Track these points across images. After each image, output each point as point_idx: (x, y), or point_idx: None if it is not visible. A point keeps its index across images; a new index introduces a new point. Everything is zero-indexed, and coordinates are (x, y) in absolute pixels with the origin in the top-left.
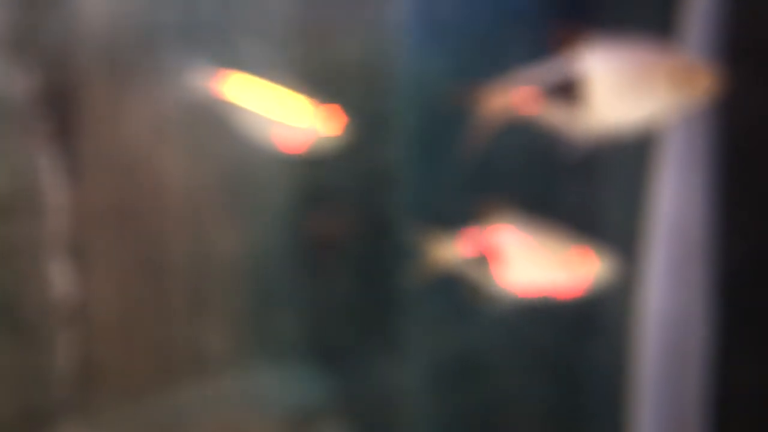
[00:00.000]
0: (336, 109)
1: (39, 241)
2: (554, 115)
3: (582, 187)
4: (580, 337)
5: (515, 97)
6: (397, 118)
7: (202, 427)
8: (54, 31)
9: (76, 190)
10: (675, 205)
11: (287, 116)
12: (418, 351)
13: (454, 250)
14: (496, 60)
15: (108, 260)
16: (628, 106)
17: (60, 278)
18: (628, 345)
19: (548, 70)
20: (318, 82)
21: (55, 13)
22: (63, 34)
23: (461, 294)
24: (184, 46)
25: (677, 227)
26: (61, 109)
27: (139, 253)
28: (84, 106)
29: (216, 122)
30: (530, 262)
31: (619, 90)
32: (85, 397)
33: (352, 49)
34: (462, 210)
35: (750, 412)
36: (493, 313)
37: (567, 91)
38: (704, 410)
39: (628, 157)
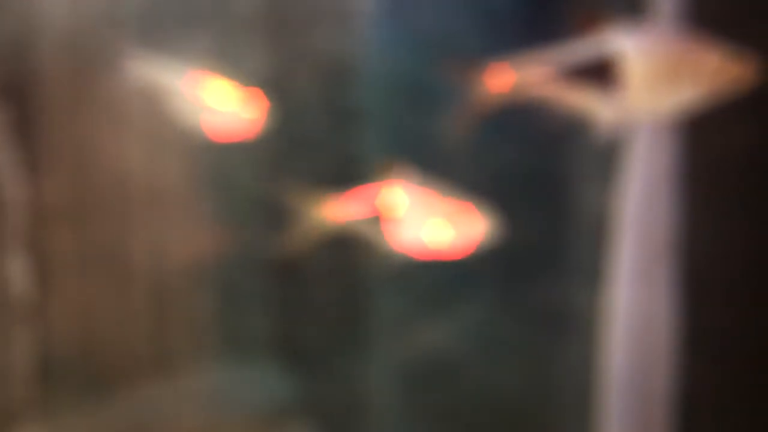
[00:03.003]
0: (258, 92)
1: None
2: (580, 98)
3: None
4: (549, 336)
5: (528, 76)
6: (364, 109)
7: (165, 426)
8: (14, 22)
9: (35, 184)
10: (641, 206)
11: (212, 101)
12: (386, 350)
13: (342, 208)
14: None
15: (67, 256)
16: (662, 92)
17: (18, 275)
18: (596, 342)
19: (574, 51)
20: (284, 74)
21: (12, 4)
22: (21, 25)
23: (430, 293)
24: (144, 37)
25: (643, 227)
26: (19, 102)
27: (100, 248)
28: (43, 99)
29: (172, 114)
30: (419, 220)
31: (656, 75)
32: (45, 396)
33: (320, 40)
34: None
35: (714, 409)
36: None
37: (596, 73)
38: (670, 407)
39: (597, 156)
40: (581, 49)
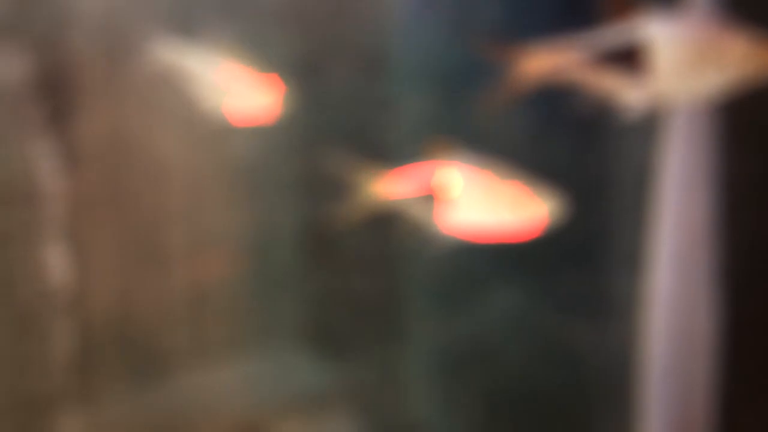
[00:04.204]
0: (277, 78)
1: (35, 228)
2: (610, 83)
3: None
4: (587, 323)
5: (562, 61)
6: (397, 99)
7: (202, 414)
8: (48, 15)
9: (72, 176)
10: (680, 191)
11: (233, 87)
12: (423, 337)
13: (392, 186)
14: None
15: (105, 246)
16: (692, 78)
17: (56, 265)
18: (635, 331)
19: (605, 37)
20: (314, 64)
21: None
22: (57, 17)
23: (467, 279)
24: (173, 24)
25: (682, 213)
26: (55, 94)
27: (137, 238)
28: (79, 91)
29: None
30: (478, 202)
31: (684, 61)
32: (83, 385)
33: (352, 25)
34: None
35: (757, 399)
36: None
37: (627, 59)
38: (710, 395)
39: (635, 142)
40: (612, 34)
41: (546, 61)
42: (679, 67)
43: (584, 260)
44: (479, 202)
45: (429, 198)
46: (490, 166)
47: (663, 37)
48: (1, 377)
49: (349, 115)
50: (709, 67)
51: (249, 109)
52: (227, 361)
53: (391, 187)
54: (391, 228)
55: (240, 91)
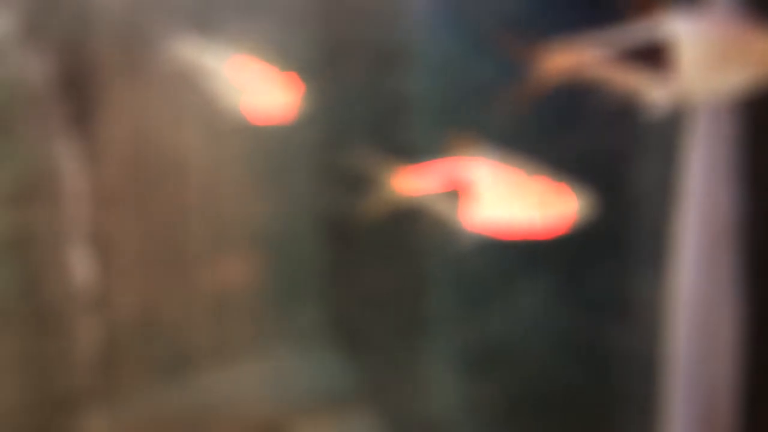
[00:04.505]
0: (295, 76)
1: (58, 227)
2: (633, 81)
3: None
4: (610, 321)
5: (585, 58)
6: (417, 97)
7: (225, 412)
8: (70, 13)
9: (95, 174)
10: (702, 188)
11: (252, 84)
12: (446, 336)
13: (415, 182)
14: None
15: (128, 245)
16: (715, 76)
17: (80, 264)
18: (658, 330)
19: (629, 34)
20: (334, 61)
21: None
22: (79, 16)
23: (490, 278)
24: (193, 21)
25: (705, 210)
26: (78, 93)
27: (160, 237)
28: (101, 90)
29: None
30: (503, 198)
31: (709, 59)
32: (108, 383)
33: (371, 26)
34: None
35: None
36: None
37: (650, 56)
38: (735, 396)
39: (657, 139)
40: (636, 32)
41: (569, 59)
42: (703, 64)
43: (608, 258)
44: (504, 198)
45: (453, 194)
46: (515, 162)
47: (687, 35)
48: (26, 376)
49: (369, 111)
50: (733, 64)
51: (268, 107)
52: (249, 358)
53: (414, 182)
54: (414, 224)
55: (259, 89)
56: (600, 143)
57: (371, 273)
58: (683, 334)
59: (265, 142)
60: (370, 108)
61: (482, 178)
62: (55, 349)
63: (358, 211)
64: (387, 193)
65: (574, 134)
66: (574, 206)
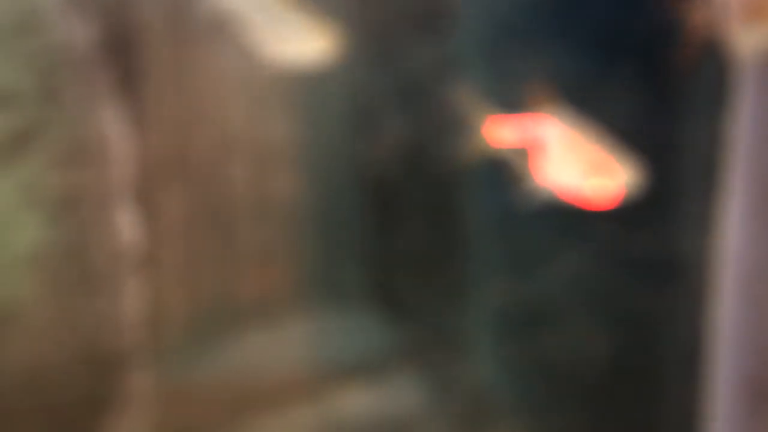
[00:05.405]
0: (330, 24)
1: (105, 189)
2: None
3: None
4: (654, 286)
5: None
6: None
7: (269, 373)
8: None
9: (141, 138)
10: (751, 147)
11: (288, 34)
12: (485, 298)
13: (503, 132)
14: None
15: (174, 208)
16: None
17: (127, 226)
18: (705, 293)
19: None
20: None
21: None
22: None
23: (530, 241)
24: None
25: (754, 169)
26: (124, 56)
27: (205, 200)
28: (147, 54)
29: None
30: (564, 161)
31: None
32: (155, 343)
33: None
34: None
35: None
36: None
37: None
38: None
39: (706, 96)
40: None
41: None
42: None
43: (653, 222)
44: (566, 161)
45: (523, 151)
46: (584, 127)
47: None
48: (75, 335)
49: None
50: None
51: (305, 57)
52: (293, 320)
53: (501, 133)
54: (457, 185)
55: (298, 36)
56: (647, 105)
57: (414, 234)
58: (731, 297)
59: (308, 99)
60: (424, 63)
61: (551, 138)
62: (103, 308)
63: (449, 156)
64: (479, 140)
65: (624, 97)
66: (627, 177)
